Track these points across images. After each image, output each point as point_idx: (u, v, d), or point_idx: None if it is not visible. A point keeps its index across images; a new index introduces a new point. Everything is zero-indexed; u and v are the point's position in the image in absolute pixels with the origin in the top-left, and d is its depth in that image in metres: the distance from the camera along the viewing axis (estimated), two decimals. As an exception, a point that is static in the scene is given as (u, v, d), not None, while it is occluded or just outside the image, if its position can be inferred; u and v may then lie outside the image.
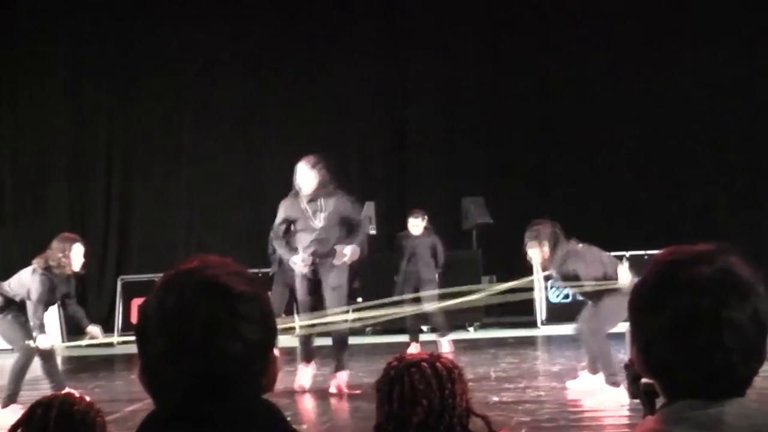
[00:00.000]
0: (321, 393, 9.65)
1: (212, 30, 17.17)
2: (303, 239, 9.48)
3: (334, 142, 17.12)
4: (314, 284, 9.53)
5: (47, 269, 9.07)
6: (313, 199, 9.46)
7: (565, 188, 16.60)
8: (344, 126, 17.31)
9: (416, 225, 12.37)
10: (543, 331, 13.99)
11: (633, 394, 2.17)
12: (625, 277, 8.57)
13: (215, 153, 17.31)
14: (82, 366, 12.90)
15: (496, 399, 8.75)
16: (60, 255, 9.05)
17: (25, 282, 9.09)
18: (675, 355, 1.76)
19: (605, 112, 16.81)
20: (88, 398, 2.87)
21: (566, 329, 13.55)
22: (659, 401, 1.91)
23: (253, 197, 16.90)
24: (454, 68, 17.13)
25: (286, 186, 15.80)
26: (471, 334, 14.71)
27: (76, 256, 9.15)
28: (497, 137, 17.09)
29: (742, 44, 16.67)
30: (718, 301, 1.74)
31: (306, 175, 9.44)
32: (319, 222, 9.46)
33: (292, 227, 9.60)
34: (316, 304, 9.54)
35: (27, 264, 9.42)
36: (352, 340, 11.46)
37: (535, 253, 9.01)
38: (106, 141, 17.77)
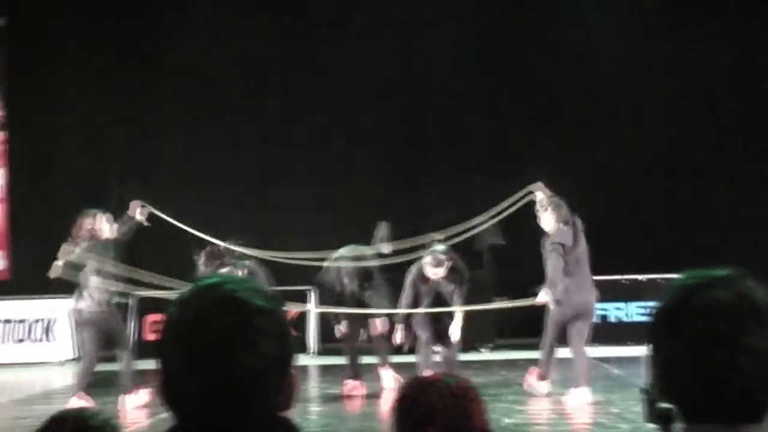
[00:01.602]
0: (330, 409, 9.65)
1: (214, 33, 17.20)
2: None
3: (347, 165, 17.19)
4: None
5: (91, 240, 9.85)
6: None
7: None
8: (357, 146, 17.30)
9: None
10: (558, 353, 13.93)
11: (650, 419, 2.16)
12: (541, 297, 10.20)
13: (231, 172, 17.34)
14: (95, 381, 12.89)
15: (508, 421, 8.73)
16: (90, 227, 9.90)
17: (82, 263, 9.78)
18: (692, 380, 1.77)
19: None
20: (104, 413, 2.87)
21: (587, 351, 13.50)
22: (676, 426, 1.91)
23: (266, 220, 16.77)
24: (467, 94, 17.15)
25: (302, 199, 15.80)
26: (483, 355, 14.68)
27: (105, 224, 10.10)
28: (509, 158, 17.08)
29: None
30: (736, 327, 1.74)
31: None
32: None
33: None
34: None
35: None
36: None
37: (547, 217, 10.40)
38: (123, 160, 17.79)
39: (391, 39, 17.17)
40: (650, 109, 17.09)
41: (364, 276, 11.24)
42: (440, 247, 10.86)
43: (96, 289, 10.10)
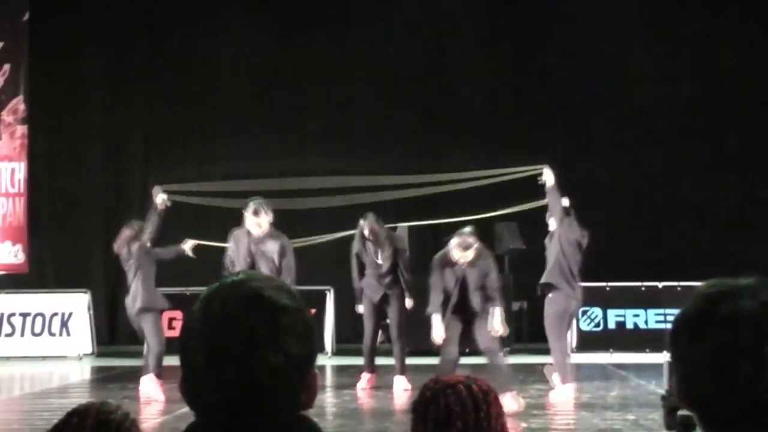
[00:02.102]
0: (347, 413, 9.66)
1: (236, 36, 17.27)
2: None
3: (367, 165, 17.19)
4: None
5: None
6: None
7: (599, 215, 16.56)
8: (376, 151, 17.30)
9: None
10: (573, 358, 13.92)
11: (669, 426, 2.16)
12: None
13: (249, 167, 17.36)
14: (111, 377, 12.96)
15: (524, 425, 8.72)
16: (138, 230, 10.97)
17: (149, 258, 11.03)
18: (715, 388, 1.76)
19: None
20: (123, 408, 2.88)
21: (597, 358, 13.52)
22: (696, 434, 1.91)
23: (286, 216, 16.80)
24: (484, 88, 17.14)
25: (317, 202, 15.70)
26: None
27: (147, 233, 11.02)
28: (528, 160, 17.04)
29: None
30: (760, 336, 1.74)
31: None
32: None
33: None
34: None
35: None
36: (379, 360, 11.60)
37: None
38: (141, 155, 17.85)
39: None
40: (680, 113, 17.05)
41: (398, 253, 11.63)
42: (468, 228, 10.20)
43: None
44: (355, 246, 11.84)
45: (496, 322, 9.90)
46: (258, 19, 17.31)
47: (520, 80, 17.33)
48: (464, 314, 10.04)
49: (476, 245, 9.98)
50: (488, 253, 10.34)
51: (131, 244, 10.96)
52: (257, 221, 10.53)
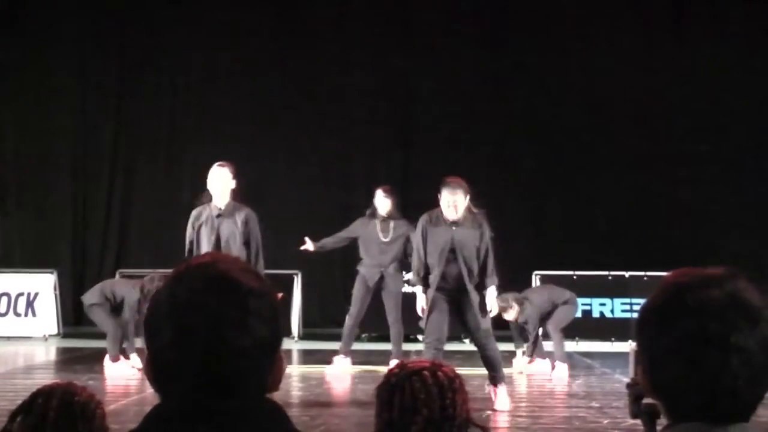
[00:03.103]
0: (313, 400, 9.66)
1: (213, 32, 17.20)
2: None
3: (338, 148, 17.19)
4: None
5: None
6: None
7: (567, 205, 16.65)
8: (348, 133, 17.29)
9: None
10: (546, 346, 13.99)
11: (634, 414, 2.17)
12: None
13: (216, 152, 17.30)
14: (77, 358, 12.89)
15: (489, 412, 8.74)
16: None
17: None
18: (680, 377, 1.77)
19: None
20: (89, 390, 2.87)
21: (569, 346, 13.55)
22: (661, 422, 1.92)
23: (254, 196, 16.79)
24: (459, 81, 17.14)
25: (286, 187, 15.81)
26: (466, 346, 14.66)
27: None
28: (501, 149, 17.09)
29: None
30: (727, 326, 1.75)
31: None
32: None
33: None
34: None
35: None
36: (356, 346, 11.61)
37: None
38: (110, 137, 17.75)
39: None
40: (645, 106, 17.13)
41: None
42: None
43: None
44: (358, 223, 11.81)
45: (490, 300, 8.82)
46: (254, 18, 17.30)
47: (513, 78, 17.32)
48: (452, 289, 8.78)
49: (467, 202, 8.75)
50: (484, 215, 8.94)
51: None
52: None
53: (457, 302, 8.76)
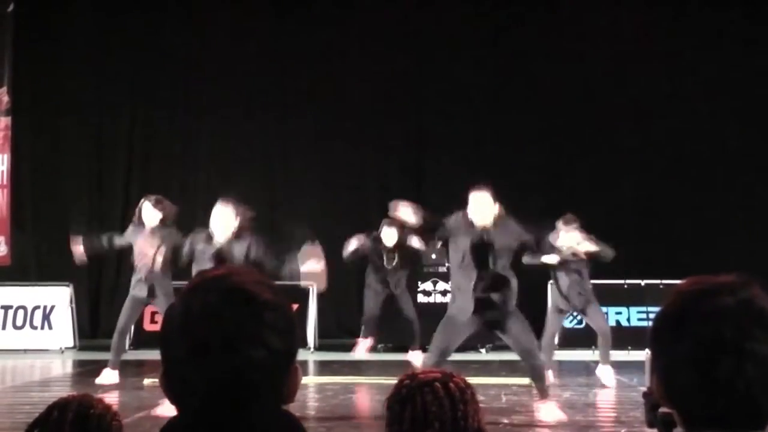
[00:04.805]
0: (329, 411, 9.65)
1: (227, 35, 17.26)
2: None
3: (352, 161, 17.19)
4: None
5: None
6: None
7: (583, 214, 16.61)
8: (361, 141, 17.30)
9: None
10: (556, 356, 13.96)
11: (650, 423, 2.16)
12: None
13: (232, 161, 17.36)
14: (93, 370, 12.90)
15: (506, 421, 8.72)
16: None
17: None
18: (695, 386, 1.76)
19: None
20: (105, 402, 2.88)
21: (579, 355, 13.53)
22: (676, 431, 1.91)
23: (269, 203, 16.81)
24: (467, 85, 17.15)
25: (302, 193, 15.80)
26: (483, 355, 14.67)
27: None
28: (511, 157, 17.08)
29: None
30: (741, 333, 1.74)
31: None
32: None
33: None
34: None
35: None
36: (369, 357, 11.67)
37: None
38: (126, 153, 17.81)
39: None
40: (655, 109, 17.09)
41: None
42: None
43: None
44: (368, 244, 12.40)
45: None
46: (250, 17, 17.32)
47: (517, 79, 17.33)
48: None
49: (498, 207, 8.45)
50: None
51: None
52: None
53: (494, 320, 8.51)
